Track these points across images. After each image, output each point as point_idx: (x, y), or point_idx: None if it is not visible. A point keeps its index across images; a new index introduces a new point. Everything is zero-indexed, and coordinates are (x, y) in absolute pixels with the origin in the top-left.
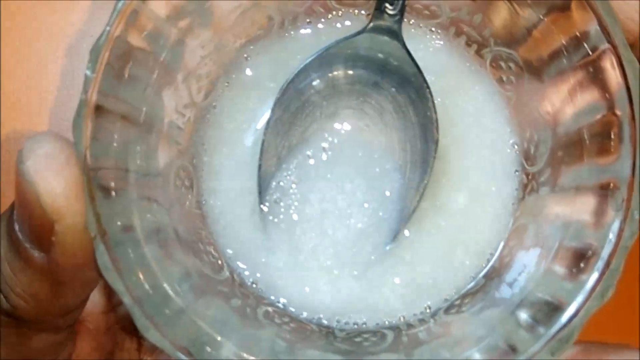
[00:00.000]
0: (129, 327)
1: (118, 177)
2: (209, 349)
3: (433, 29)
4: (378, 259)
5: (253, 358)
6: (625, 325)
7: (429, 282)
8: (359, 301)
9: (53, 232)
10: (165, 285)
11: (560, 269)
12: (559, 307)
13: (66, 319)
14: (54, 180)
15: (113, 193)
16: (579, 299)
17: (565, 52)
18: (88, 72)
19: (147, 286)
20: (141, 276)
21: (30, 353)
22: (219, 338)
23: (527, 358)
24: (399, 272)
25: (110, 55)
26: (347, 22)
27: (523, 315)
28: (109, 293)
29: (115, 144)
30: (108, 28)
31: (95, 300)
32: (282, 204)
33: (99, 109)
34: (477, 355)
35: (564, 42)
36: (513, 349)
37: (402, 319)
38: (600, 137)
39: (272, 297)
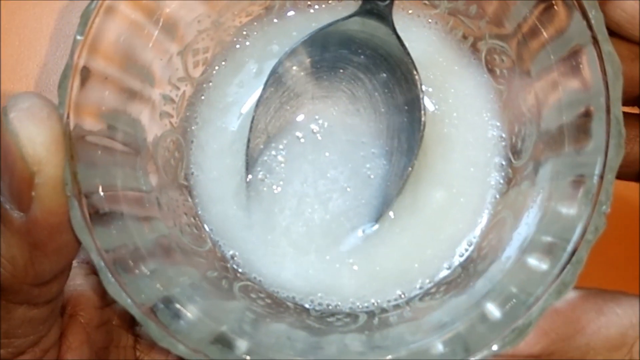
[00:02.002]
0: (126, 324)
1: (103, 136)
2: (172, 310)
3: (430, 20)
4: (352, 243)
5: (214, 324)
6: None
7: (400, 270)
8: (327, 283)
9: (33, 187)
10: (139, 246)
11: (529, 260)
12: (521, 298)
13: (43, 291)
14: (35, 131)
15: (97, 153)
16: (539, 290)
17: (550, 46)
18: (78, 36)
19: (123, 243)
20: (115, 235)
21: (11, 328)
22: (184, 302)
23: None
24: (370, 258)
25: (101, 21)
26: (344, 7)
27: (488, 306)
28: (104, 289)
29: (102, 108)
30: None
31: (89, 294)
32: (265, 180)
33: (85, 72)
34: (436, 343)
35: (549, 35)
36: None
37: (375, 304)
38: (578, 132)
39: (248, 272)
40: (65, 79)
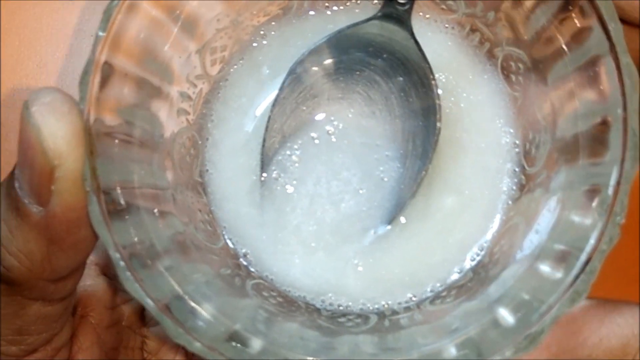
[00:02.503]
0: (135, 325)
1: (120, 135)
2: (187, 307)
3: (447, 25)
4: (362, 244)
5: (228, 322)
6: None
7: (411, 273)
8: (334, 282)
9: (53, 181)
10: (155, 242)
11: (542, 268)
12: (534, 305)
13: (58, 287)
14: (56, 125)
15: (115, 149)
16: (552, 299)
17: (568, 55)
18: (100, 32)
19: (139, 239)
20: (132, 231)
21: (24, 325)
22: (199, 299)
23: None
24: (380, 260)
25: (123, 17)
26: (362, 10)
27: (500, 311)
28: (115, 290)
29: (122, 104)
30: None
31: (100, 295)
32: (279, 180)
33: (106, 68)
34: (448, 347)
35: (567, 44)
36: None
37: (386, 306)
38: (593, 142)
39: (260, 270)
40: (86, 75)
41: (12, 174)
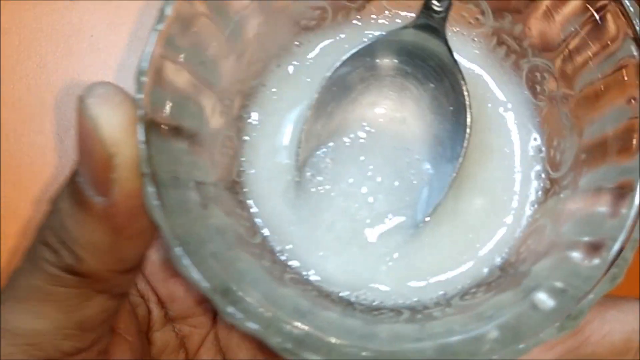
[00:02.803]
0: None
1: (171, 127)
2: (233, 292)
3: (475, 38)
4: (393, 242)
5: (273, 307)
6: None
7: (440, 271)
8: (366, 278)
9: (112, 169)
10: (202, 231)
11: (575, 257)
12: (570, 293)
13: (122, 279)
14: (111, 114)
15: (166, 140)
16: (589, 285)
17: (595, 63)
18: (157, 27)
19: (188, 227)
20: (181, 218)
21: (85, 319)
22: (244, 285)
23: (535, 339)
24: (410, 258)
25: (177, 16)
26: (397, 20)
27: (538, 296)
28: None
29: (173, 97)
30: None
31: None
32: (314, 180)
33: (160, 62)
34: (488, 330)
35: (595, 52)
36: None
37: (417, 301)
38: (622, 141)
39: (295, 266)
40: (142, 67)
41: (75, 170)
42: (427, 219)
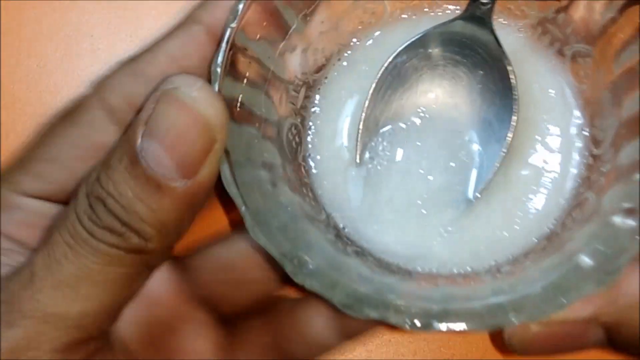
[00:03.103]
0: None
1: (244, 114)
2: (302, 258)
3: (522, 28)
4: (449, 215)
5: (336, 273)
6: None
7: (493, 241)
8: (424, 249)
9: (210, 152)
10: (272, 206)
11: (613, 222)
12: (607, 253)
13: (169, 253)
14: (216, 104)
15: (240, 126)
16: (625, 244)
17: (634, 44)
18: (231, 24)
19: (260, 201)
20: (255, 194)
21: (130, 296)
22: (311, 254)
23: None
24: (465, 229)
25: (251, 13)
26: (447, 12)
27: (580, 258)
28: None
29: (245, 87)
30: None
31: None
32: (374, 162)
33: (234, 56)
34: (535, 290)
35: (632, 35)
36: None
37: (470, 269)
38: None
39: (357, 240)
40: (217, 60)
41: (139, 160)
42: (479, 195)
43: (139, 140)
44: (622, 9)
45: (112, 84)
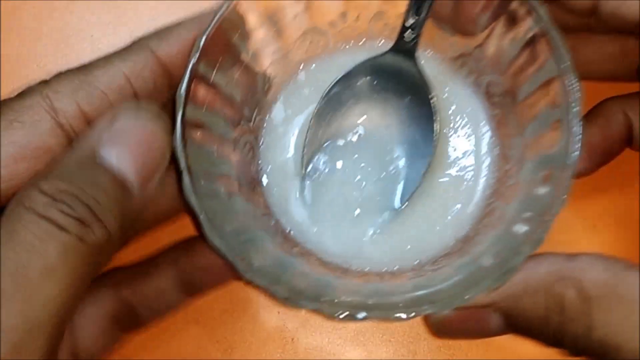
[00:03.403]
0: None
1: (204, 135)
2: (250, 259)
3: (443, 59)
4: (381, 220)
5: (281, 271)
6: None
7: (417, 242)
8: (357, 250)
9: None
10: (226, 214)
11: (517, 230)
12: (506, 254)
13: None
14: (163, 124)
15: (200, 142)
16: (521, 248)
17: (533, 78)
18: (194, 55)
19: (216, 209)
20: (213, 202)
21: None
22: (259, 255)
23: (478, 289)
24: (395, 234)
25: (212, 43)
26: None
27: (483, 259)
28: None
29: (205, 112)
30: (210, 28)
31: None
32: (317, 173)
33: (197, 82)
34: (444, 287)
35: (533, 70)
36: (473, 284)
37: (397, 268)
38: (551, 139)
39: (301, 242)
40: (182, 89)
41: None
42: (405, 203)
43: (103, 143)
44: (525, 47)
45: (61, 89)
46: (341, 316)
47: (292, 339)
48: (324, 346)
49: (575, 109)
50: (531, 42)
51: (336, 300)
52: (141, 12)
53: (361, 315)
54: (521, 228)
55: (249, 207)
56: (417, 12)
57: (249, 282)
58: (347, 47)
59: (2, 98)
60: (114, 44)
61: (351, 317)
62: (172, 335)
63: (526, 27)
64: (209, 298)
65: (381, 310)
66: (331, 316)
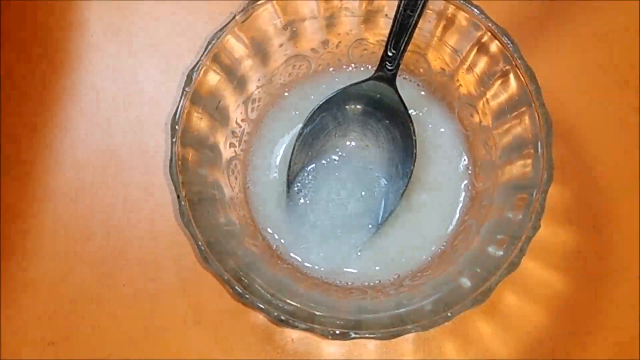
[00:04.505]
0: None
1: (195, 158)
2: (245, 281)
3: (420, 84)
4: (362, 237)
5: (274, 291)
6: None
7: (397, 257)
8: (341, 265)
9: None
10: (220, 236)
11: (490, 250)
12: (483, 276)
13: None
14: None
15: (194, 165)
16: (497, 269)
17: (505, 106)
18: (186, 88)
19: (211, 233)
20: (208, 227)
21: None
22: (253, 275)
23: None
24: (376, 250)
25: (200, 78)
26: (362, 72)
27: (461, 280)
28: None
29: (197, 137)
30: (200, 59)
31: None
32: (301, 193)
33: (189, 113)
34: (426, 304)
35: (505, 99)
36: (453, 303)
37: (378, 282)
38: (523, 166)
39: (287, 258)
40: (175, 116)
41: None
42: (385, 221)
43: None
44: (497, 79)
45: None
46: (334, 335)
47: (292, 339)
48: (324, 346)
49: (546, 138)
50: (504, 75)
51: (326, 320)
52: (141, 12)
53: (352, 334)
54: (494, 250)
55: (240, 226)
56: (395, 47)
57: (247, 305)
58: (330, 70)
59: (2, 97)
60: (114, 44)
61: (342, 337)
62: (173, 335)
63: (499, 60)
64: (209, 298)
65: (369, 330)
66: (324, 336)
